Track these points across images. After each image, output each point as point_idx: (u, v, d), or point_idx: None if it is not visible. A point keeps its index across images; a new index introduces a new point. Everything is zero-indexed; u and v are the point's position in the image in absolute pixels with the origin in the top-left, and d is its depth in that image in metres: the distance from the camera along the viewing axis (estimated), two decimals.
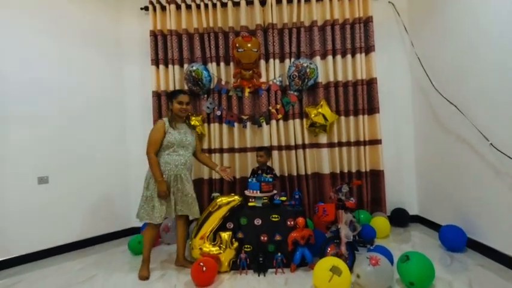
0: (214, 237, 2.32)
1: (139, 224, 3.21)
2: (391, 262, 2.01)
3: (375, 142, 3.18)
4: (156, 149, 2.21)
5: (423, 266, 1.82)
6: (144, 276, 2.20)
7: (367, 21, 3.18)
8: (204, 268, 2.00)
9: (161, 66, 3.23)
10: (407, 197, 3.30)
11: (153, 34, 3.24)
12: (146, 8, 3.29)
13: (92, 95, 3.08)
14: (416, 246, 2.60)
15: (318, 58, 3.18)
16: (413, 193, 3.31)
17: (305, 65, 2.99)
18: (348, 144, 3.20)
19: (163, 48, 3.25)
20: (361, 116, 3.17)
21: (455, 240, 2.41)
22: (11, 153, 2.55)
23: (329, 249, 2.15)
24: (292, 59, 3.17)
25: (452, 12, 2.56)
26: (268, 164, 2.90)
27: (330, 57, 3.17)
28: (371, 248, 2.19)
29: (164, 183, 2.16)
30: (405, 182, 3.31)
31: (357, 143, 3.21)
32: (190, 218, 2.45)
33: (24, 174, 2.62)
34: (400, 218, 3.15)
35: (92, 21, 3.13)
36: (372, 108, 3.20)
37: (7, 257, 2.52)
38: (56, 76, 2.84)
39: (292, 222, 2.27)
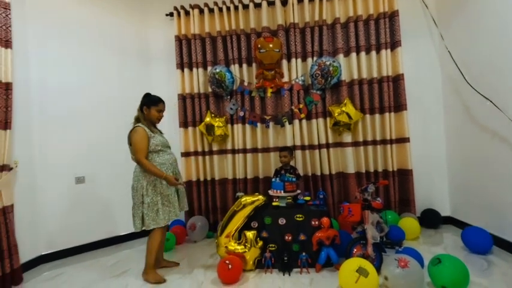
0: (240, 236, 2.37)
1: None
2: (422, 265, 1.94)
3: (403, 140, 3.07)
4: (145, 155, 2.17)
5: (456, 269, 1.75)
6: (161, 280, 2.18)
7: (392, 16, 3.08)
8: (230, 266, 2.05)
9: (186, 70, 3.34)
10: (438, 197, 3.15)
11: (178, 39, 3.35)
12: (171, 14, 3.41)
13: (123, 99, 3.24)
14: (448, 248, 2.49)
15: (341, 56, 3.13)
16: (445, 193, 3.15)
17: (328, 63, 2.96)
18: (374, 143, 3.12)
19: (188, 52, 3.36)
20: (387, 114, 3.07)
21: (479, 243, 2.30)
22: (51, 155, 2.75)
23: (355, 250, 2.12)
24: (315, 58, 3.14)
25: (487, 2, 2.41)
26: (292, 163, 2.90)
27: (353, 55, 3.11)
28: (399, 249, 2.13)
29: (170, 176, 2.19)
30: (436, 181, 3.17)
31: (383, 142, 3.12)
32: (183, 210, 2.44)
33: (63, 175, 2.82)
34: (431, 219, 3.02)
35: (121, 29, 3.30)
36: (398, 106, 3.09)
37: (50, 251, 2.73)
38: (90, 82, 3.03)
39: (316, 222, 2.26)
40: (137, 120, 2.29)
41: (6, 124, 2.23)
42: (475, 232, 2.37)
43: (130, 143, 2.22)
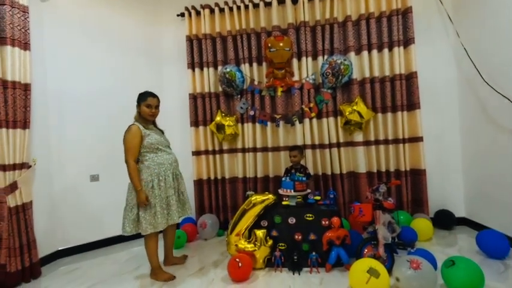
0: (250, 234, 2.38)
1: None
2: (435, 266, 1.90)
3: (416, 140, 3.01)
4: (135, 155, 2.08)
5: (471, 272, 1.71)
6: (170, 277, 2.18)
7: (405, 13, 3.02)
8: (240, 264, 2.07)
9: (197, 70, 3.37)
10: (452, 198, 3.08)
11: (189, 39, 3.39)
12: (182, 15, 3.45)
13: (136, 99, 3.30)
14: (463, 250, 2.43)
15: (352, 54, 3.09)
16: (460, 194, 3.08)
17: (339, 61, 2.93)
18: (386, 142, 3.07)
19: (199, 51, 3.39)
20: (399, 113, 3.02)
21: (495, 246, 2.21)
22: (67, 153, 2.84)
23: (366, 250, 2.10)
24: (325, 56, 3.12)
25: None
26: (302, 163, 2.89)
27: (365, 53, 3.07)
28: (412, 250, 2.10)
29: (144, 193, 2.03)
30: (450, 182, 3.09)
31: (396, 141, 3.07)
32: (185, 215, 2.40)
33: (78, 173, 2.90)
34: (445, 220, 2.95)
35: (134, 30, 3.36)
36: (411, 104, 3.03)
37: (67, 246, 2.82)
38: (105, 82, 3.10)
39: (326, 222, 2.25)
40: (135, 119, 2.25)
41: (25, 124, 2.32)
42: (490, 235, 2.29)
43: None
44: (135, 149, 2.09)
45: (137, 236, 3.19)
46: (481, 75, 2.59)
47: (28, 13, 2.39)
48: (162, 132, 2.38)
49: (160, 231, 2.21)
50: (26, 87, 2.35)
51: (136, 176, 2.06)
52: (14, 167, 2.22)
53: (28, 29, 2.39)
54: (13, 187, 2.20)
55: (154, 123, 2.34)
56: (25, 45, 2.35)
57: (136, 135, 2.09)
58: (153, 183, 2.10)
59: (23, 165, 2.29)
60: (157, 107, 2.25)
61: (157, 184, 2.11)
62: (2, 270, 2.07)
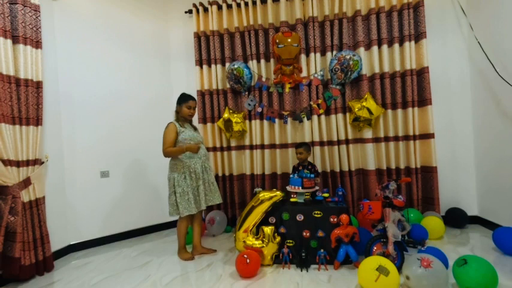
0: (257, 231, 2.38)
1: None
2: (446, 265, 1.87)
3: (427, 136, 2.96)
4: (170, 147, 2.41)
5: (483, 270, 1.67)
6: (190, 257, 2.49)
7: (417, 6, 2.95)
8: (248, 260, 2.07)
9: (204, 66, 3.38)
10: (464, 195, 3.02)
11: (197, 36, 3.39)
12: (190, 11, 3.46)
13: (144, 96, 3.34)
14: (475, 249, 2.38)
15: (361, 49, 3.04)
16: (472, 192, 3.01)
17: (348, 57, 2.89)
18: (396, 139, 3.02)
19: (206, 48, 3.39)
20: (410, 109, 2.96)
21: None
22: (78, 150, 2.89)
23: (375, 248, 2.07)
24: (334, 52, 3.08)
25: None
26: (310, 160, 2.87)
27: (375, 48, 3.01)
28: (422, 249, 2.07)
29: (190, 145, 2.41)
30: (462, 179, 3.03)
31: (406, 138, 3.01)
32: (217, 202, 2.63)
33: (89, 169, 2.95)
34: (456, 219, 2.89)
35: (143, 28, 3.38)
36: (422, 100, 2.97)
37: (78, 241, 2.88)
38: (115, 79, 3.14)
39: (335, 219, 2.23)
40: (174, 117, 2.57)
41: (37, 121, 2.37)
42: (507, 232, 2.23)
43: None
44: (171, 143, 2.42)
45: (146, 231, 3.28)
46: (495, 69, 2.52)
47: (39, 12, 2.43)
48: (195, 129, 2.64)
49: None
50: (38, 85, 2.39)
51: (175, 149, 2.41)
52: (27, 163, 2.27)
53: (40, 27, 2.43)
54: (26, 183, 2.26)
55: (190, 122, 2.62)
56: (37, 44, 2.39)
57: (172, 131, 2.43)
58: (185, 175, 2.43)
59: (36, 162, 2.35)
60: (195, 108, 2.57)
61: (188, 175, 2.43)
62: (17, 263, 2.12)
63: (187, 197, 2.41)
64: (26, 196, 2.25)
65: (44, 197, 2.43)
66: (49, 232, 2.44)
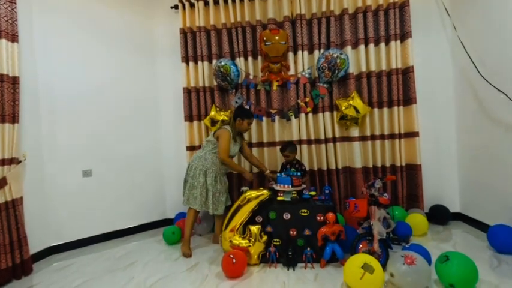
0: (244, 230, 2.36)
1: (173, 216, 3.38)
2: (429, 262, 1.90)
3: (412, 135, 3.00)
4: (229, 155, 2.57)
5: (464, 267, 1.71)
6: (188, 253, 2.50)
7: (403, 6, 2.98)
8: (234, 260, 2.05)
9: (191, 63, 3.31)
10: (447, 193, 3.09)
11: (183, 32, 3.32)
12: (176, 7, 3.38)
13: (128, 93, 3.25)
14: (457, 246, 2.43)
15: (348, 48, 3.05)
16: (455, 189, 3.08)
17: (335, 55, 2.89)
18: (382, 137, 3.06)
19: (193, 45, 3.32)
20: (396, 108, 3.00)
21: (507, 241, 2.19)
22: (59, 148, 2.78)
23: (361, 246, 2.09)
24: (322, 50, 3.08)
25: None
26: (298, 157, 2.87)
27: (361, 47, 3.03)
28: (406, 246, 2.09)
29: (248, 172, 2.76)
30: (445, 177, 3.09)
31: (392, 136, 3.05)
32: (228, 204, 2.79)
33: (70, 168, 2.85)
34: (440, 216, 2.96)
35: (126, 23, 3.28)
36: (408, 99, 3.01)
37: (59, 242, 2.78)
38: (96, 75, 3.03)
39: (321, 218, 2.24)
40: (227, 124, 2.67)
41: (14, 118, 2.26)
42: (503, 231, 2.24)
43: (216, 138, 2.60)
44: (229, 150, 2.57)
45: (132, 231, 3.20)
46: (477, 69, 2.57)
47: (15, 3, 2.32)
48: (242, 137, 2.79)
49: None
50: (15, 81, 2.28)
51: (237, 165, 2.75)
52: (2, 162, 2.16)
53: (16, 20, 2.31)
54: (2, 183, 2.15)
55: (241, 135, 2.77)
56: (13, 37, 2.28)
57: (229, 139, 2.57)
58: (217, 178, 2.63)
59: (12, 161, 2.24)
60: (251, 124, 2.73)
61: (218, 179, 2.64)
62: None
63: (206, 196, 2.58)
64: (1, 197, 2.15)
65: (21, 198, 2.33)
66: (28, 234, 2.34)
